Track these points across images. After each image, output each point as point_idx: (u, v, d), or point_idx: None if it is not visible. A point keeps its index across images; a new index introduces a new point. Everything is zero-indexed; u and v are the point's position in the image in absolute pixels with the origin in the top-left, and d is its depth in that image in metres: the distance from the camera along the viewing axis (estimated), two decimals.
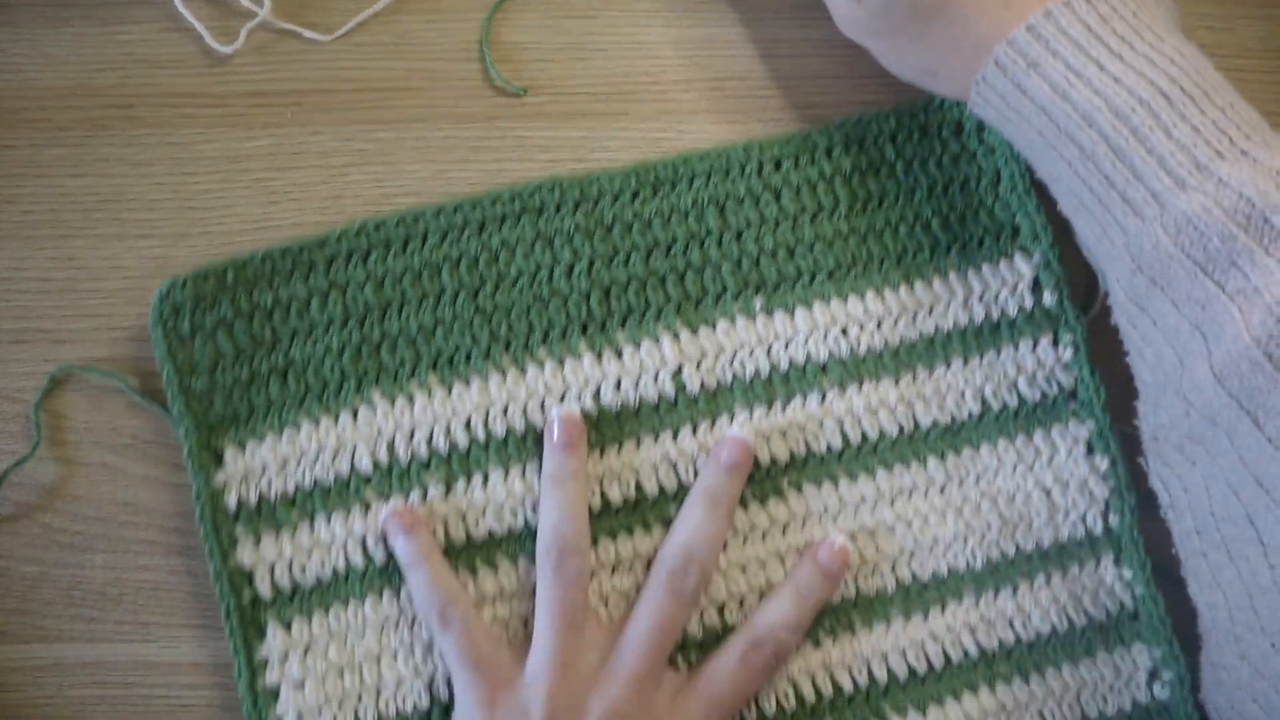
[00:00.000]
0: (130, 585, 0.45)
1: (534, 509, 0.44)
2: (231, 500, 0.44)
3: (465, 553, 0.44)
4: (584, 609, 0.42)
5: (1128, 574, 0.45)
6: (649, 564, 0.44)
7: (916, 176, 0.46)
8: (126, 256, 0.46)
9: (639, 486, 0.44)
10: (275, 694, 0.43)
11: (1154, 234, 0.36)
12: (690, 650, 0.43)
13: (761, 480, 0.44)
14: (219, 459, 0.44)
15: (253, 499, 0.44)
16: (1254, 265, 0.34)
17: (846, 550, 0.43)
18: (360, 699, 0.43)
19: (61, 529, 0.45)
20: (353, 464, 0.44)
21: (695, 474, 0.44)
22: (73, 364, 0.45)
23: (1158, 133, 0.36)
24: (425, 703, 0.43)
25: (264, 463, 0.44)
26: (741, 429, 0.44)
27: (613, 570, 0.44)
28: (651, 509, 0.44)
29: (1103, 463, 0.45)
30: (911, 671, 0.44)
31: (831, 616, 0.44)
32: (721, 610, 0.44)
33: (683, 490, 0.44)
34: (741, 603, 0.44)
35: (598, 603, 0.43)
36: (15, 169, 0.47)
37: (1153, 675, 0.44)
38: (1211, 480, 0.36)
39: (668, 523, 0.44)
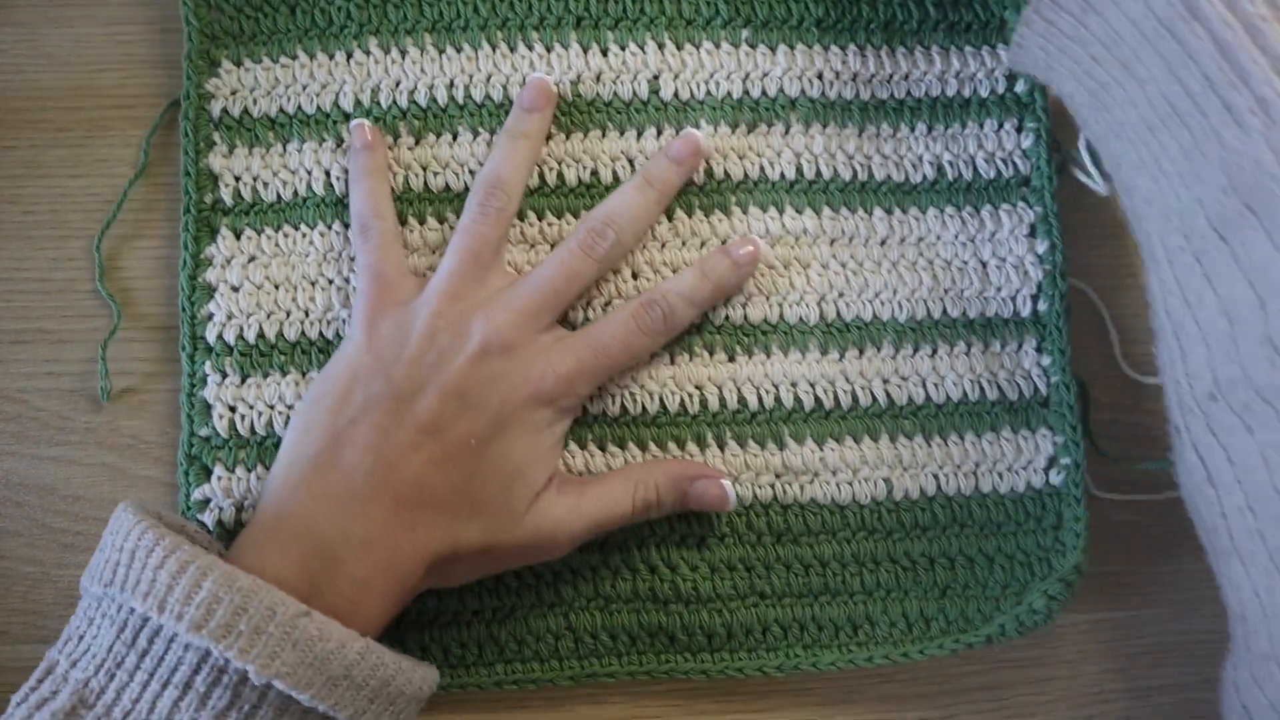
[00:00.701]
0: None
1: None
2: (216, 108, 0.46)
3: (418, 202, 0.46)
4: (495, 248, 0.43)
5: (1046, 361, 0.45)
6: None
7: None
8: (127, 257, 0.47)
9: (594, 172, 0.46)
10: (211, 292, 0.45)
11: (1256, 149, 0.32)
12: None
13: (711, 192, 0.46)
14: (215, 67, 0.46)
15: (236, 111, 0.46)
16: None
17: (759, 249, 0.45)
18: (288, 315, 0.45)
19: (62, 529, 0.45)
20: (337, 100, 0.46)
21: None
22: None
23: (1274, 25, 0.32)
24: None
25: (256, 81, 0.46)
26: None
27: (551, 246, 0.45)
28: (600, 195, 0.46)
29: (1041, 246, 0.46)
30: (818, 404, 0.45)
31: (750, 334, 0.45)
32: None
33: None
34: None
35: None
36: (16, 169, 0.47)
37: (1051, 461, 0.45)
38: (1275, 450, 0.32)
39: None
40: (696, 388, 0.45)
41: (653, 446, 0.44)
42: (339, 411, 0.40)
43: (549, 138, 0.46)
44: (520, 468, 0.40)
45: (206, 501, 0.44)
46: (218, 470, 0.44)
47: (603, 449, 0.44)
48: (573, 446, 0.44)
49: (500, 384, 0.40)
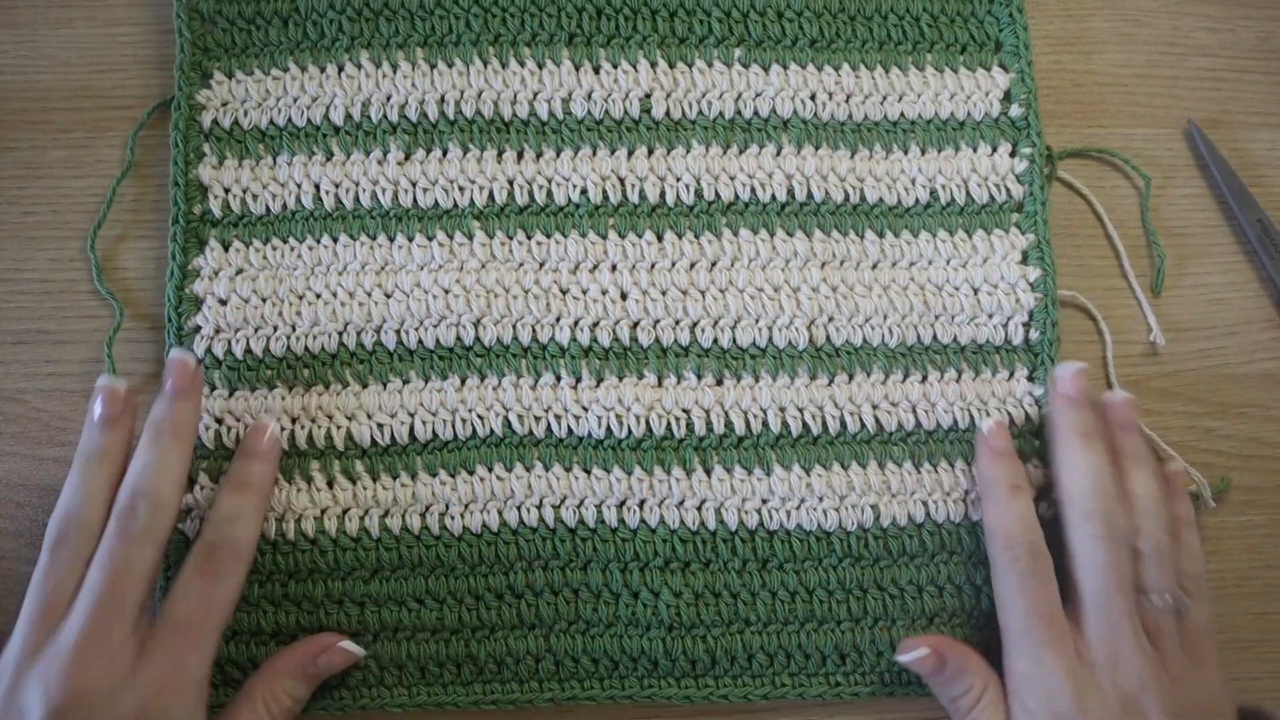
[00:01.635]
0: None
1: (483, 191, 0.45)
2: (207, 119, 0.46)
3: (407, 219, 0.45)
4: (139, 576, 0.38)
5: (1038, 390, 0.45)
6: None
7: None
8: (127, 257, 0.46)
9: (584, 191, 0.46)
10: (198, 303, 0.45)
11: None
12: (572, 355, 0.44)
13: (701, 214, 0.46)
14: (206, 79, 0.46)
15: (227, 123, 0.46)
16: None
17: (269, 429, 0.43)
18: (275, 330, 0.45)
19: None
20: (327, 114, 0.46)
21: (642, 194, 0.45)
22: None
23: None
24: (334, 346, 0.44)
25: (247, 93, 0.46)
26: (183, 353, 0.42)
27: (540, 265, 0.45)
28: (590, 214, 0.45)
29: (1034, 274, 0.45)
30: (806, 429, 0.44)
31: (739, 359, 0.45)
32: (614, 329, 0.44)
33: (627, 203, 0.45)
34: (656, 323, 0.45)
35: None
36: (17, 170, 0.47)
37: (1042, 492, 0.44)
38: None
39: (615, 228, 0.45)
40: (684, 411, 0.44)
41: (638, 470, 0.44)
42: None
43: (538, 155, 0.46)
44: None
45: (188, 511, 0.43)
46: (201, 480, 0.43)
47: (587, 472, 0.44)
48: (556, 469, 0.44)
49: None
